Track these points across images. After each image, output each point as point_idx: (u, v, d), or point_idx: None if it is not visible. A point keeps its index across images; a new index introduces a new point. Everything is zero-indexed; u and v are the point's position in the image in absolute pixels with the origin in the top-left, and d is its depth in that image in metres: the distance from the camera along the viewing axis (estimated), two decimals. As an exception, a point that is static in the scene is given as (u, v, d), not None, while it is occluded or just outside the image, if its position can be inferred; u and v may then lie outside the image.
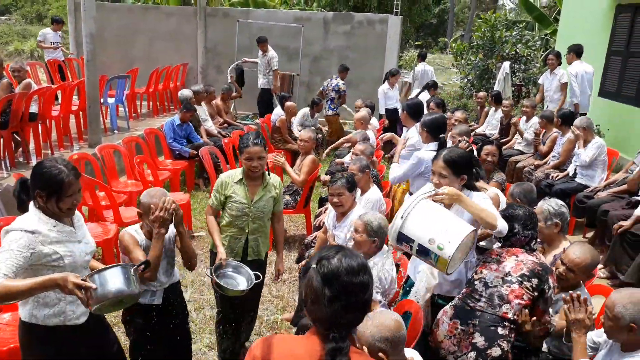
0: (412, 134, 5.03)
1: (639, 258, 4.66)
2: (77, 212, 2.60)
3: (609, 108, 8.52)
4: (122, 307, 2.61)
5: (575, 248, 3.23)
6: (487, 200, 3.04)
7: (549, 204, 3.77)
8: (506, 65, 11.39)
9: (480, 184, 4.45)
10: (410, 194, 4.80)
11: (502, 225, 2.90)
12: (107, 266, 2.35)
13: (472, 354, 2.80)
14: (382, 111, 9.59)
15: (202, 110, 8.26)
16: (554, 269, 3.17)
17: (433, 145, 4.35)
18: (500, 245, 3.19)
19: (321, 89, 9.81)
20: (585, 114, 7.39)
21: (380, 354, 2.25)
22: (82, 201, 3.76)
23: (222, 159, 6.89)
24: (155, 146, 7.26)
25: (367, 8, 20.14)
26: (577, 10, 10.06)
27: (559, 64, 8.33)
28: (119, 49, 11.87)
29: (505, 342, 2.80)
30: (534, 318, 2.88)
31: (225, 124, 9.05)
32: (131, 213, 5.34)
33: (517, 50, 12.61)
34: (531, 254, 3.03)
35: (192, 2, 16.04)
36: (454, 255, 2.62)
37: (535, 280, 2.87)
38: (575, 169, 6.28)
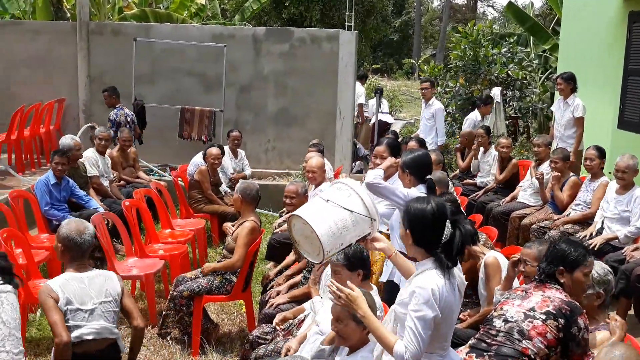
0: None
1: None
2: None
3: (633, 142, 9.00)
4: None
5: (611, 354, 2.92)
6: (418, 308, 3.14)
7: (594, 268, 3.84)
8: (496, 92, 11.96)
9: (477, 247, 4.99)
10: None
11: (399, 351, 3.10)
12: None
13: None
14: None
15: (103, 162, 8.38)
16: None
17: (422, 188, 4.80)
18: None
19: (110, 124, 9.81)
20: None
21: None
22: None
23: (123, 230, 6.76)
24: (26, 215, 7.07)
25: (307, 22, 20.78)
26: (581, 19, 10.76)
27: (573, 90, 8.65)
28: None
29: None
30: None
31: (123, 182, 8.96)
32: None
33: (509, 72, 13.26)
34: (561, 291, 3.58)
35: (68, 16, 16.03)
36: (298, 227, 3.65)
37: (561, 320, 3.40)
38: (602, 223, 6.50)
